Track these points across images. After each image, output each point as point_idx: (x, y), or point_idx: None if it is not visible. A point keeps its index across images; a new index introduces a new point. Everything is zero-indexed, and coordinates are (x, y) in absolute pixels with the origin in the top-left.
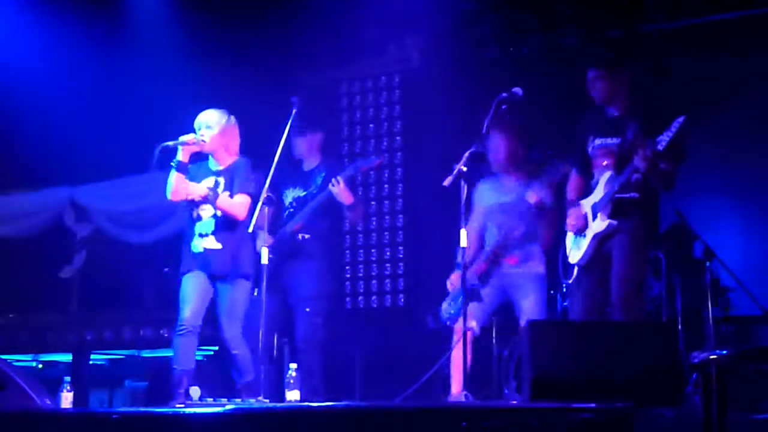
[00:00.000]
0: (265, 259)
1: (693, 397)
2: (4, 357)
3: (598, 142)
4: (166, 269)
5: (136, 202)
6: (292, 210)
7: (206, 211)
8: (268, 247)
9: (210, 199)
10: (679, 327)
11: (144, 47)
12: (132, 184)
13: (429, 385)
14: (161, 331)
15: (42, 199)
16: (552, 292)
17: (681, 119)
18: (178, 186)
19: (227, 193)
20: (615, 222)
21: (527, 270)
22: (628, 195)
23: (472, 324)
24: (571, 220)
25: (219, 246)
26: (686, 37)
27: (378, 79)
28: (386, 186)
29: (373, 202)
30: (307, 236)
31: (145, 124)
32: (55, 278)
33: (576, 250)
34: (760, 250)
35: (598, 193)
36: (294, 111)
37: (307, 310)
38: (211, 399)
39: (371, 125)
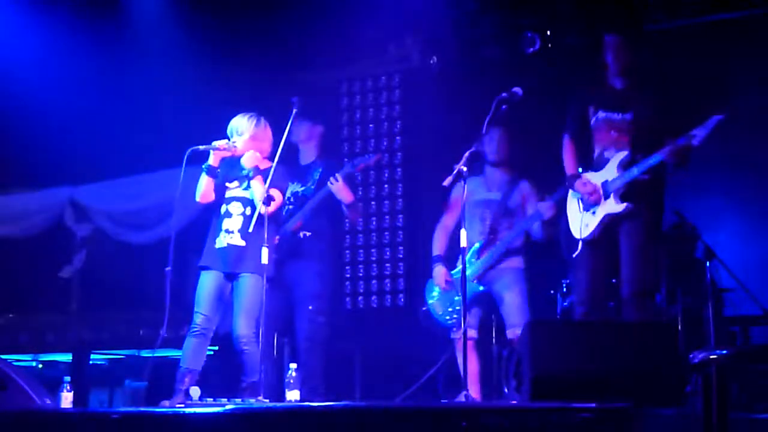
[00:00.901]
0: (265, 259)
1: (693, 397)
2: (4, 357)
3: (602, 115)
4: (168, 268)
5: (136, 202)
6: (290, 207)
7: (235, 208)
8: (269, 246)
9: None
10: (679, 327)
11: (144, 47)
12: (132, 184)
13: (429, 385)
14: (161, 331)
15: (42, 199)
16: (552, 291)
17: (719, 117)
18: (207, 190)
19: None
20: (630, 205)
21: (507, 265)
22: (641, 177)
23: (472, 333)
24: (586, 190)
25: (243, 243)
26: (686, 37)
27: (378, 79)
28: (386, 186)
29: (373, 202)
30: (308, 234)
31: (145, 124)
32: (55, 278)
33: (583, 226)
34: (760, 250)
35: (609, 172)
36: (294, 111)
37: (310, 308)
38: (211, 399)
39: (371, 125)
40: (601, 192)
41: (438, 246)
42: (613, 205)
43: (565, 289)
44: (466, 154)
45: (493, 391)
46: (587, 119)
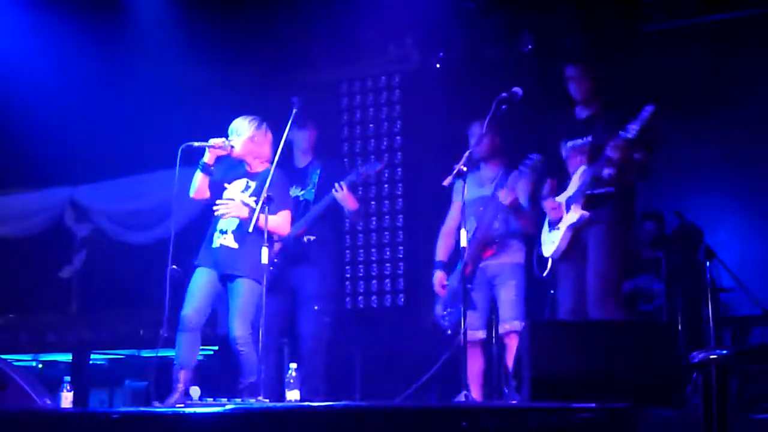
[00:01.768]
0: (265, 259)
1: (693, 397)
2: (4, 357)
3: (569, 144)
4: (173, 266)
5: (136, 202)
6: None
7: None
8: (274, 251)
9: (247, 218)
10: (679, 327)
11: (144, 48)
12: (132, 184)
13: (429, 385)
14: (161, 331)
15: (42, 199)
16: (552, 291)
17: (651, 108)
18: (201, 186)
19: (263, 216)
20: (588, 213)
21: (504, 260)
22: (603, 190)
23: (479, 334)
24: (550, 208)
25: (236, 245)
26: (686, 37)
27: (378, 79)
28: (386, 186)
29: (373, 202)
30: (312, 238)
31: (145, 124)
32: (55, 278)
33: (550, 243)
34: (760, 249)
35: (572, 187)
36: (294, 111)
37: (316, 308)
38: (211, 399)
39: (371, 125)
40: (564, 207)
41: (439, 252)
42: (573, 216)
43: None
44: (466, 153)
45: (493, 391)
46: (560, 155)
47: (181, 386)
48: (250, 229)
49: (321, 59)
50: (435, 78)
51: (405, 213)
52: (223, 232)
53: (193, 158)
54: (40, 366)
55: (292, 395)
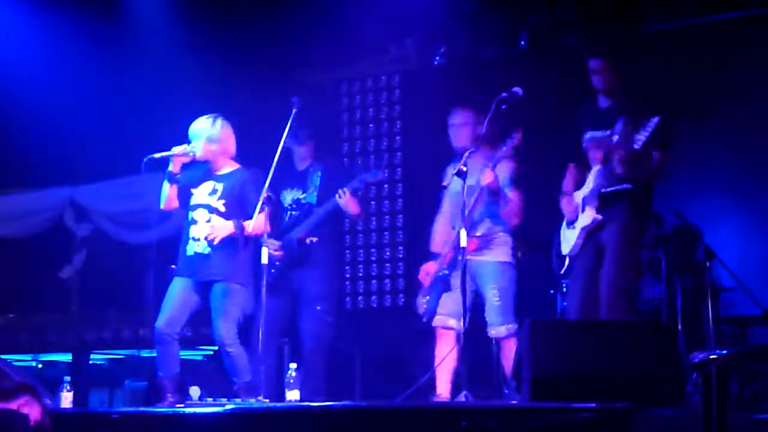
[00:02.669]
0: (265, 259)
1: (693, 397)
2: (4, 357)
3: (588, 135)
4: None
5: (136, 202)
6: (294, 213)
7: (201, 215)
8: (278, 255)
9: (237, 232)
10: (679, 327)
11: (144, 47)
12: (132, 184)
13: (429, 385)
14: (140, 331)
15: (42, 199)
16: (552, 291)
17: (656, 119)
18: (170, 197)
19: (249, 222)
20: (599, 217)
21: (489, 258)
22: (619, 187)
23: (451, 323)
24: (566, 208)
25: (208, 251)
26: (686, 37)
27: (378, 79)
28: (386, 186)
29: (373, 202)
30: (314, 239)
31: (145, 124)
32: (55, 278)
33: (566, 242)
34: (760, 250)
35: (587, 186)
36: (294, 111)
37: (318, 308)
38: (211, 399)
39: (371, 125)
40: (580, 207)
41: (434, 244)
42: (586, 218)
43: (565, 290)
44: (466, 153)
45: (493, 391)
46: (581, 142)
47: (169, 396)
48: (250, 229)
49: (321, 59)
50: (435, 78)
51: (405, 213)
52: (195, 240)
53: (158, 167)
54: (40, 366)
55: (292, 395)
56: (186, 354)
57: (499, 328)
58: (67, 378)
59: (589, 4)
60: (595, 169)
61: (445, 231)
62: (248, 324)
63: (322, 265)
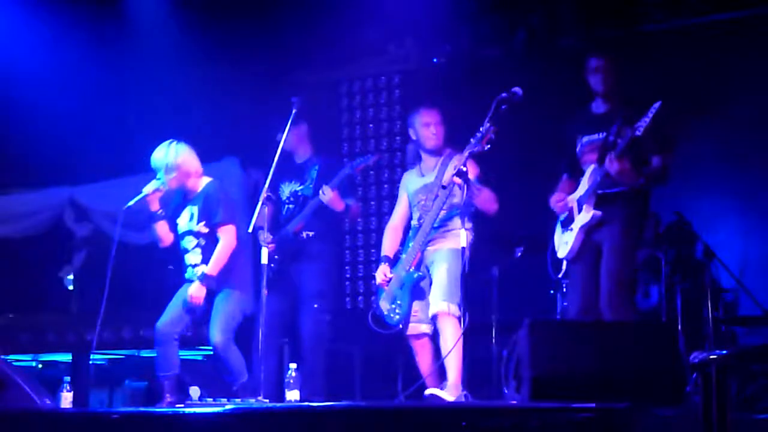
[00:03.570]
0: (265, 260)
1: (693, 397)
2: (4, 357)
3: (585, 139)
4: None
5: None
6: (290, 206)
7: (189, 242)
8: (271, 247)
9: (210, 283)
10: (679, 327)
11: (144, 48)
12: (132, 184)
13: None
14: (91, 336)
15: (42, 199)
16: (552, 292)
17: (657, 104)
18: (164, 234)
19: (207, 266)
20: (599, 212)
21: (441, 245)
22: (615, 189)
23: (423, 328)
24: (556, 204)
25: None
26: (686, 37)
27: (378, 79)
28: (386, 186)
29: (372, 202)
30: (310, 234)
31: (145, 124)
32: (55, 278)
33: (563, 245)
34: (760, 250)
35: (583, 186)
36: (294, 111)
37: (315, 306)
38: (211, 399)
39: (371, 125)
40: (576, 208)
41: (385, 246)
42: (584, 216)
43: (565, 290)
44: (465, 153)
45: (493, 391)
46: (575, 150)
47: (168, 396)
48: (250, 230)
49: (321, 59)
50: (435, 78)
51: None
52: (194, 266)
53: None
54: (40, 366)
55: (292, 395)
56: (186, 354)
57: (440, 303)
58: (67, 378)
59: (589, 4)
60: (591, 168)
61: (396, 237)
62: (248, 324)
63: (319, 259)
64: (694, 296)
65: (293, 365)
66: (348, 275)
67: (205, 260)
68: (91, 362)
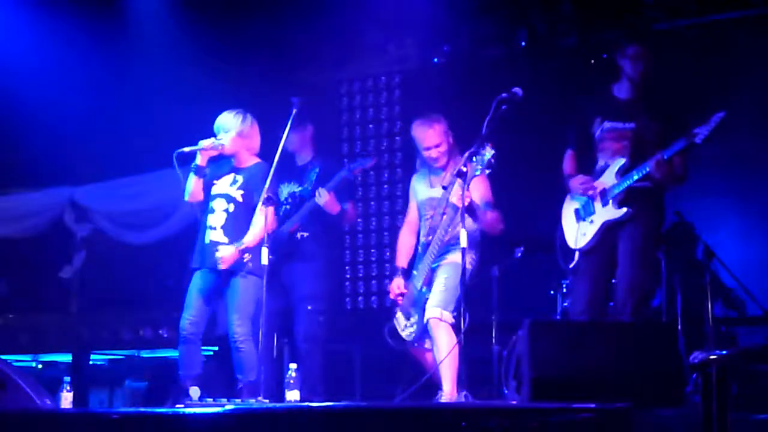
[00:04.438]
0: (265, 260)
1: (693, 397)
2: (4, 357)
3: (607, 125)
4: (169, 281)
5: (136, 202)
6: (287, 207)
7: (219, 204)
8: (266, 247)
9: (243, 253)
10: (679, 327)
11: (144, 47)
12: (132, 184)
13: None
14: (161, 331)
15: (42, 199)
16: (552, 292)
17: (722, 114)
18: (195, 190)
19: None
20: (630, 210)
21: (449, 260)
22: (641, 184)
23: (428, 344)
24: (582, 185)
25: (226, 240)
26: (686, 37)
27: (378, 79)
28: (386, 186)
29: (372, 202)
30: (305, 235)
31: (145, 124)
32: (55, 278)
33: (580, 235)
34: (760, 250)
35: (608, 179)
36: (294, 111)
37: (309, 308)
38: (211, 399)
39: (371, 125)
40: (599, 199)
41: (400, 257)
42: (612, 212)
43: (565, 290)
44: (466, 154)
45: (493, 391)
46: (590, 131)
47: (192, 391)
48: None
49: (321, 59)
50: (435, 78)
51: (405, 213)
52: (212, 228)
53: (186, 161)
54: (40, 366)
55: (292, 395)
56: None
57: (433, 309)
58: (67, 378)
59: (589, 4)
60: (620, 162)
61: (410, 244)
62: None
63: (313, 260)
64: (694, 296)
65: (293, 365)
66: (348, 275)
67: (226, 225)
68: (91, 362)
